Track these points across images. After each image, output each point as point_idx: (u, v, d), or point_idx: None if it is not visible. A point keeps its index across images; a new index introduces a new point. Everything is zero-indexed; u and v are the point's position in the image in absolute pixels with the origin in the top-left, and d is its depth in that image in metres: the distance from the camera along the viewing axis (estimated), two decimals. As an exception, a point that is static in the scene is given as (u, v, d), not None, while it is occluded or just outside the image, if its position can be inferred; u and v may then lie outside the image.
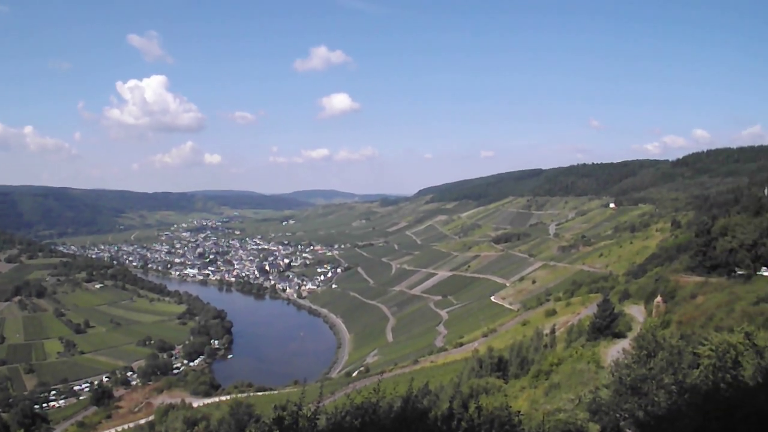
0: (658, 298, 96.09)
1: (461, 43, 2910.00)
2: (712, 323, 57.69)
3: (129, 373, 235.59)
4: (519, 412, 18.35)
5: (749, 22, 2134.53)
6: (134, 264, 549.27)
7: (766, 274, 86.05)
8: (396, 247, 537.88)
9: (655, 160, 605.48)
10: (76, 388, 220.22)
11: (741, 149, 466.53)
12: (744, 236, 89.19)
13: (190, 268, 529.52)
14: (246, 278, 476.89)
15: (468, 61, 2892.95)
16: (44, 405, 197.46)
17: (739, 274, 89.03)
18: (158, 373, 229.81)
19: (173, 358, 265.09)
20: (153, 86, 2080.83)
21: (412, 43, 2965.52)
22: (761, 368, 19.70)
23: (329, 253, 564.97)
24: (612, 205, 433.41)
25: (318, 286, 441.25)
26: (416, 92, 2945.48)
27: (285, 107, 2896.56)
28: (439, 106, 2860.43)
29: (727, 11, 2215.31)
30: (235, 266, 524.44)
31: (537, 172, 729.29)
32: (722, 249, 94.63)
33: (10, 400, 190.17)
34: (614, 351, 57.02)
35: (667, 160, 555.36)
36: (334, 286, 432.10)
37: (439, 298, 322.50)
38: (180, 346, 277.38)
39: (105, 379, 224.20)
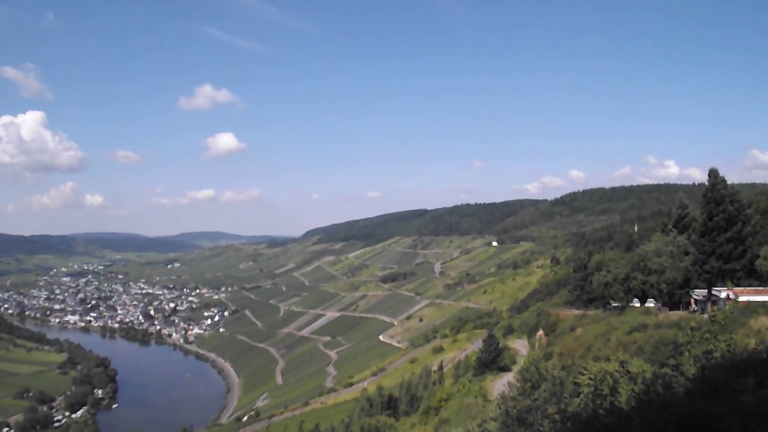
0: (540, 332, 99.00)
1: (348, 85, 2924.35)
2: (591, 353, 59.75)
3: (5, 429, 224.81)
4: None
5: (620, 69, 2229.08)
6: (10, 311, 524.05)
7: (637, 305, 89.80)
8: (284, 288, 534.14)
9: (535, 199, 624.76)
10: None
11: (613, 189, 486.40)
12: (617, 270, 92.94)
13: (71, 315, 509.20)
14: (130, 324, 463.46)
15: (354, 102, 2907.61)
16: None
17: (614, 306, 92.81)
18: (38, 427, 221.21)
19: (54, 410, 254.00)
20: (30, 123, 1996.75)
21: (299, 84, 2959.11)
22: (635, 394, 20.97)
23: (216, 297, 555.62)
24: (495, 244, 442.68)
25: (205, 330, 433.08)
26: (303, 133, 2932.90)
27: (169, 147, 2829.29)
28: (326, 146, 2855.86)
29: (602, 58, 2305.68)
30: (119, 312, 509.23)
31: (422, 213, 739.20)
32: (598, 283, 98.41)
33: None
34: (500, 384, 58.42)
35: (546, 200, 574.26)
36: (221, 329, 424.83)
37: (328, 338, 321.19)
38: (61, 398, 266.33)
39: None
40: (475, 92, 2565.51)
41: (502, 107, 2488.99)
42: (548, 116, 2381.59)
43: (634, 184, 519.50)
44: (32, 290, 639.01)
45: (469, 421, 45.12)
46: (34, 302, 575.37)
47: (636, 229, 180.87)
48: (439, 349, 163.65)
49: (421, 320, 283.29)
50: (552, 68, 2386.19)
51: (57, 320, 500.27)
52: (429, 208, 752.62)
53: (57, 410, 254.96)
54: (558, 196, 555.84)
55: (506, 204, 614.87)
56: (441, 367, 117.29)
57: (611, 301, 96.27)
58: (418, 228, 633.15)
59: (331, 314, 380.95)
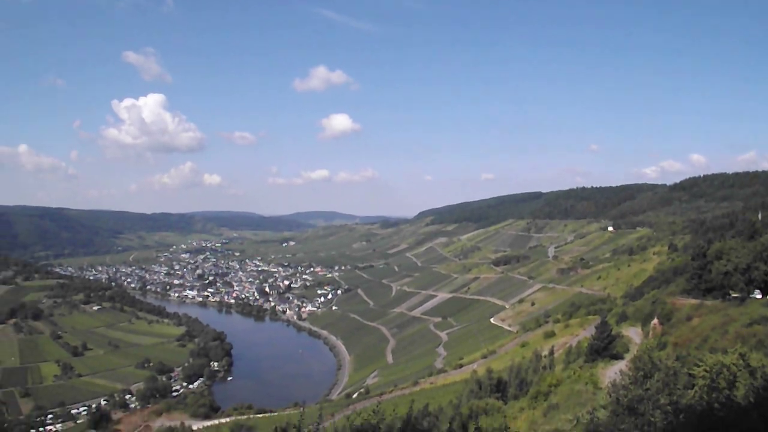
0: (655, 320, 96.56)
1: (463, 66, 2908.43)
2: (707, 345, 58.03)
3: (127, 396, 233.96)
4: None
5: (745, 49, 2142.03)
6: (132, 285, 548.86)
7: (759, 296, 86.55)
8: (396, 268, 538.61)
9: (653, 184, 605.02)
10: (73, 411, 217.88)
11: (736, 174, 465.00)
12: (738, 260, 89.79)
13: (190, 290, 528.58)
14: (246, 300, 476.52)
15: (470, 83, 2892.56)
16: (41, 429, 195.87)
17: (734, 297, 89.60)
18: (157, 395, 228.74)
19: (172, 380, 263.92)
20: (150, 105, 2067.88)
21: (413, 65, 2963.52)
22: (754, 388, 20.13)
23: (329, 275, 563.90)
24: (610, 229, 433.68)
25: (318, 307, 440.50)
26: (417, 113, 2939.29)
27: (285, 128, 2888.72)
28: (440, 127, 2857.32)
29: (722, 39, 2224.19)
30: (235, 288, 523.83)
31: (537, 195, 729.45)
32: (717, 272, 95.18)
33: (5, 425, 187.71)
34: (612, 372, 57.31)
35: (665, 185, 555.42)
36: (334, 307, 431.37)
37: (439, 319, 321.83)
38: (179, 369, 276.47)
39: (103, 403, 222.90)
40: (591, 74, 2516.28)
41: (620, 89, 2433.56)
42: (668, 99, 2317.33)
43: (760, 169, 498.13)
44: (153, 266, 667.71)
45: (579, 408, 44.46)
46: (155, 277, 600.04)
47: (760, 216, 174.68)
48: (550, 334, 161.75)
49: (533, 304, 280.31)
50: (672, 50, 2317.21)
51: (176, 295, 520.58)
52: (543, 191, 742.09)
53: (175, 380, 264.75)
54: (677, 180, 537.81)
55: (623, 188, 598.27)
56: (552, 352, 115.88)
57: (731, 292, 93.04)
58: (532, 211, 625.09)
59: (442, 295, 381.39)
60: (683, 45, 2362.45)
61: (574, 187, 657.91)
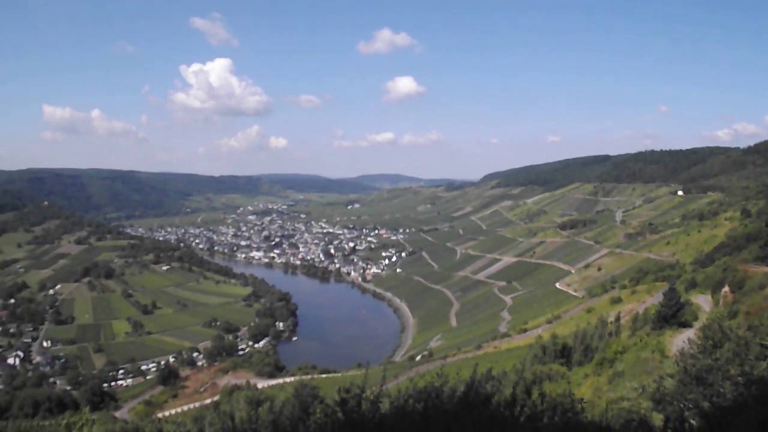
0: (726, 288, 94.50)
1: (529, 26, 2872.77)
2: (782, 314, 56.53)
3: (195, 354, 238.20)
4: (582, 399, 18.35)
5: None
6: (201, 246, 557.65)
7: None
8: (461, 232, 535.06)
9: (726, 147, 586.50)
10: (143, 367, 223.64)
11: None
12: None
13: (256, 251, 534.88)
14: (311, 261, 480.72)
15: (536, 45, 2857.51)
16: (112, 384, 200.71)
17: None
18: (224, 354, 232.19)
19: (238, 339, 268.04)
20: (217, 70, 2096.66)
21: (477, 28, 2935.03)
22: (830, 361, 19.44)
23: (394, 237, 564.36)
24: (680, 193, 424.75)
25: (382, 269, 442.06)
26: (483, 76, 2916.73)
27: (350, 91, 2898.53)
28: (505, 91, 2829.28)
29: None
30: (301, 249, 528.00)
31: (604, 158, 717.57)
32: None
33: (80, 379, 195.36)
34: (679, 340, 56.30)
35: (738, 148, 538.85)
36: (398, 270, 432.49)
37: (504, 283, 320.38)
38: (245, 328, 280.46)
39: (171, 360, 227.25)
40: (662, 33, 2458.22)
41: (691, 47, 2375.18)
42: (742, 57, 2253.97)
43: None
44: (221, 227, 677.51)
45: (645, 376, 43.73)
46: (222, 238, 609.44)
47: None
48: (616, 300, 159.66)
49: (599, 269, 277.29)
50: (745, 7, 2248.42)
51: (243, 256, 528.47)
52: (611, 153, 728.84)
53: (241, 339, 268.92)
54: (751, 143, 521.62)
55: (694, 151, 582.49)
56: (618, 319, 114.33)
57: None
58: (599, 174, 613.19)
59: (507, 259, 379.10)
60: (757, 1, 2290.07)
61: (643, 150, 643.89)
